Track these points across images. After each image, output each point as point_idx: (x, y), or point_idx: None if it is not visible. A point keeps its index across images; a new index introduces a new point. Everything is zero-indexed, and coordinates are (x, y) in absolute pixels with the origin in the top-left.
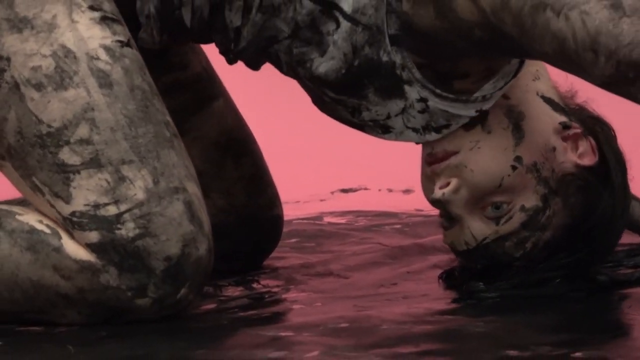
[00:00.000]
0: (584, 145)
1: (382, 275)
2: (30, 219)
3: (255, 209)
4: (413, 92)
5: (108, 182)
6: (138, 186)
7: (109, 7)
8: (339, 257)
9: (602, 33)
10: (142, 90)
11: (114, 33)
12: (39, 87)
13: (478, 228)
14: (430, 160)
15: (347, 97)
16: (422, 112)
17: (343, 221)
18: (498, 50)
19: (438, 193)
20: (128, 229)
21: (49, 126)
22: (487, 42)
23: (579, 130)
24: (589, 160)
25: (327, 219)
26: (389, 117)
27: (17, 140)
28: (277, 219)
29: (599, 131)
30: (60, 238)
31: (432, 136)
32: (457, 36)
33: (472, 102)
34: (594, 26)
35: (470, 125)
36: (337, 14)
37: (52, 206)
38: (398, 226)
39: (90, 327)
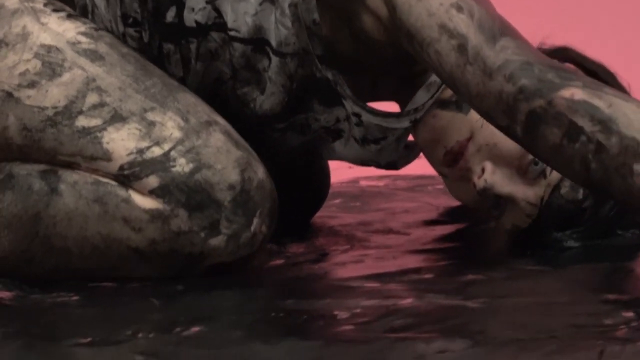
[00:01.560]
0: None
1: (443, 231)
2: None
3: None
4: (348, 106)
5: (139, 130)
6: (171, 126)
7: (69, 9)
8: (392, 215)
9: (456, 79)
10: (132, 56)
11: (84, 23)
12: (32, 84)
13: (532, 194)
14: (450, 159)
15: (295, 116)
16: (358, 125)
17: (381, 184)
18: (413, 65)
19: (480, 183)
20: (182, 165)
21: (54, 107)
22: (401, 58)
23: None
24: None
25: (364, 182)
26: (337, 120)
27: (24, 136)
28: (324, 171)
29: (569, 55)
30: (127, 189)
31: (372, 148)
32: (375, 55)
33: (405, 115)
34: (448, 70)
35: (465, 106)
36: (268, 49)
37: (96, 170)
38: (440, 187)
39: (164, 281)
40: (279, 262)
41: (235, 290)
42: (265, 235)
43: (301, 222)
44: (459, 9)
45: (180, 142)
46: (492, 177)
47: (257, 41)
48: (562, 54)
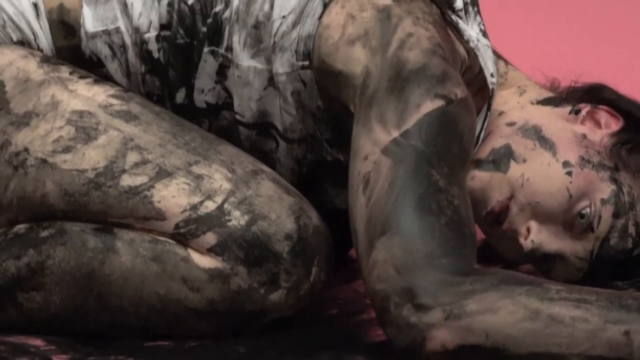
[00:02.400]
0: (602, 116)
1: None
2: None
3: None
4: None
5: (188, 184)
6: (219, 178)
7: (94, 75)
8: None
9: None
10: (166, 113)
11: (112, 86)
12: (67, 149)
13: (580, 248)
14: (492, 219)
15: (307, 197)
16: None
17: None
18: None
19: (528, 244)
20: (237, 218)
21: (95, 169)
22: None
23: (588, 107)
24: (615, 124)
25: None
26: None
27: (67, 202)
28: None
29: (601, 95)
30: (186, 247)
31: None
32: None
33: None
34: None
35: (503, 165)
36: (274, 132)
37: (150, 231)
38: None
39: (224, 339)
40: (333, 311)
41: (297, 345)
42: (324, 283)
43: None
44: (365, 184)
45: (231, 193)
46: (538, 236)
47: (263, 125)
48: (596, 93)
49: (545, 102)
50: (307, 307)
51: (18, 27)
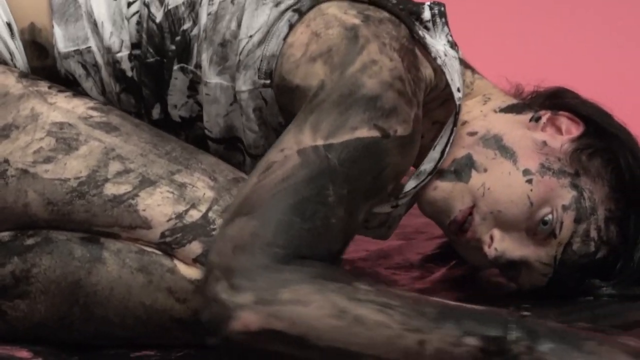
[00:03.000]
0: (562, 122)
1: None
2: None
3: None
4: None
5: (172, 192)
6: (201, 186)
7: (72, 89)
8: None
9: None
10: (145, 125)
11: (91, 100)
12: (48, 160)
13: (544, 254)
14: (455, 228)
15: None
16: None
17: None
18: None
19: (492, 252)
20: None
21: (77, 178)
22: None
23: (548, 114)
24: (576, 129)
25: None
26: None
27: (51, 211)
28: None
29: (563, 100)
30: (172, 258)
31: None
32: None
33: (387, 201)
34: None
35: (464, 175)
36: (241, 146)
37: (136, 240)
38: None
39: (210, 350)
40: None
41: None
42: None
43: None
44: (265, 169)
45: (214, 201)
46: (501, 244)
47: (230, 140)
48: (558, 98)
49: (507, 109)
50: None
51: None
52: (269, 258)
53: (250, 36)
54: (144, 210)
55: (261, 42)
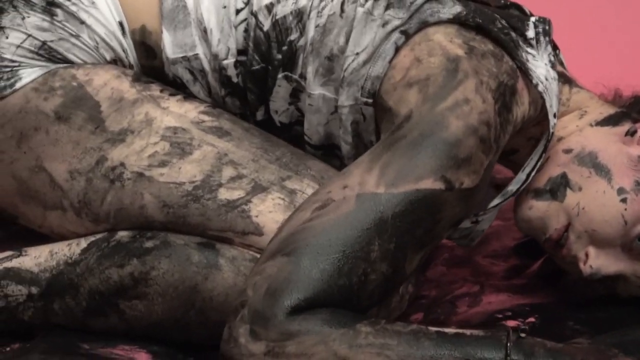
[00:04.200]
0: None
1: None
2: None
3: None
4: None
5: (283, 199)
6: (311, 193)
7: (182, 92)
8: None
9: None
10: (255, 129)
11: (202, 102)
12: (163, 164)
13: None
14: (551, 246)
15: None
16: None
17: None
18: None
19: (587, 270)
20: None
21: (192, 182)
22: None
23: None
24: None
25: None
26: None
27: (167, 214)
28: None
29: None
30: None
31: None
32: None
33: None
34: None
35: (560, 194)
36: (338, 152)
37: (249, 246)
38: None
39: None
40: (419, 315)
41: None
42: (411, 294)
43: None
44: (321, 206)
45: None
46: (596, 261)
47: (328, 147)
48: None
49: (604, 122)
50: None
51: (110, 47)
52: (291, 309)
53: (357, 53)
54: (256, 216)
55: (367, 62)
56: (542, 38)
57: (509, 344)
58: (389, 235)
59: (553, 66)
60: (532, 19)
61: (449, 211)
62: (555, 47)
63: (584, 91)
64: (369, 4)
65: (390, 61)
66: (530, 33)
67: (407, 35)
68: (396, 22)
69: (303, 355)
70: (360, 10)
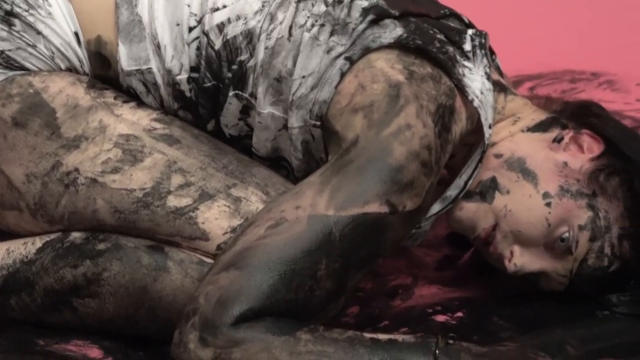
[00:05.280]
0: (584, 140)
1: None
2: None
3: None
4: None
5: (228, 206)
6: (255, 200)
7: (135, 99)
8: None
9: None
10: (203, 136)
11: (154, 110)
12: (116, 170)
13: (561, 267)
14: (480, 243)
15: None
16: None
17: None
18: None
19: (511, 267)
20: None
21: (142, 189)
22: None
23: (571, 133)
24: (597, 148)
25: None
26: None
27: (117, 218)
28: None
29: (588, 116)
30: None
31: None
32: None
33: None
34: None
35: (489, 196)
36: (286, 164)
37: (195, 249)
38: None
39: None
40: (355, 309)
41: None
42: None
43: None
44: (275, 225)
45: None
46: (520, 259)
47: (276, 159)
48: (583, 115)
49: (535, 128)
50: None
51: (66, 57)
52: (238, 319)
53: (304, 76)
54: (203, 223)
55: (314, 87)
56: (478, 51)
57: (437, 351)
58: (336, 255)
59: (488, 77)
60: (469, 32)
61: (393, 233)
62: (492, 53)
63: (519, 98)
64: (314, 30)
65: (337, 86)
66: (467, 46)
67: (352, 62)
68: (340, 49)
69: None
70: (306, 35)
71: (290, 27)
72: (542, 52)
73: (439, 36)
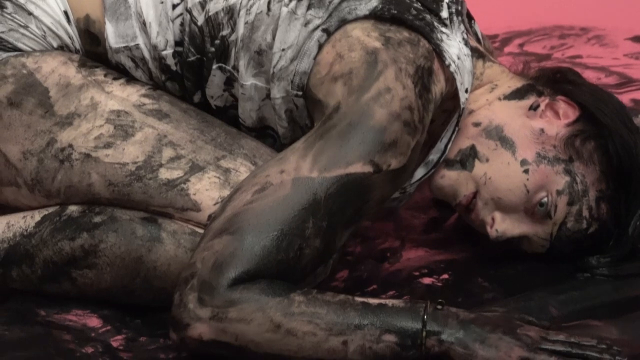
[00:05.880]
0: (560, 107)
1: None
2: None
3: None
4: None
5: (218, 177)
6: (243, 171)
7: (125, 75)
8: None
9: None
10: (192, 109)
11: (142, 85)
12: (108, 145)
13: (541, 231)
14: (461, 210)
15: None
16: None
17: None
18: None
19: (493, 233)
20: None
21: (135, 162)
22: None
23: (547, 100)
24: (572, 113)
25: None
26: None
27: (112, 191)
28: None
29: (564, 82)
30: None
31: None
32: None
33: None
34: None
35: (468, 165)
36: (272, 132)
37: (187, 220)
38: None
39: None
40: (344, 273)
41: None
42: (335, 260)
43: None
44: (260, 189)
45: None
46: (501, 225)
47: (262, 128)
48: (558, 81)
49: (511, 95)
50: None
51: (57, 35)
52: (234, 281)
53: (283, 50)
54: (194, 194)
55: (294, 59)
56: (455, 18)
57: (425, 316)
58: (322, 214)
59: (466, 43)
60: (446, 0)
61: (378, 191)
62: (470, 19)
63: (497, 65)
64: (292, 4)
65: (315, 57)
66: (444, 13)
67: (329, 33)
68: (317, 22)
69: (243, 320)
70: (284, 9)
71: (269, 2)
72: (532, 8)
73: (415, 5)
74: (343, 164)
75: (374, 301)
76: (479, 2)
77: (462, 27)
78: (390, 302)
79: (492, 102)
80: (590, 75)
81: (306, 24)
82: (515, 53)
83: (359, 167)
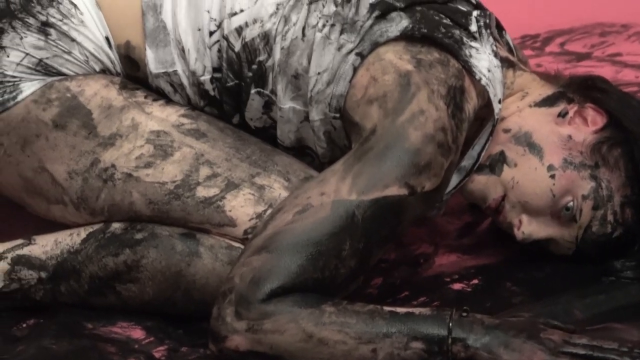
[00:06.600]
0: (588, 114)
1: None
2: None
3: None
4: None
5: (253, 194)
6: (277, 187)
7: (164, 97)
8: None
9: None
10: (228, 128)
11: (182, 106)
12: (149, 165)
13: (567, 234)
14: (490, 212)
15: None
16: None
17: None
18: None
19: (519, 235)
20: None
21: (173, 182)
22: None
23: (576, 107)
24: (600, 120)
25: None
26: None
27: (152, 209)
28: None
29: (593, 89)
30: None
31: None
32: None
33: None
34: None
35: (497, 169)
36: (310, 152)
37: (224, 235)
38: None
39: None
40: (378, 280)
41: None
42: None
43: None
44: (301, 210)
45: None
46: (528, 228)
47: (300, 148)
48: (588, 89)
49: (541, 103)
50: None
51: (99, 60)
52: (269, 295)
53: (319, 73)
54: (230, 211)
55: (330, 82)
56: (484, 31)
57: (450, 323)
58: (359, 236)
59: (496, 55)
60: (475, 13)
61: (412, 212)
62: (501, 29)
63: (527, 73)
64: (326, 30)
65: (350, 80)
66: (473, 27)
67: (362, 57)
68: (350, 46)
69: (277, 331)
70: (318, 35)
71: (304, 28)
72: (574, 6)
73: (444, 21)
74: (380, 187)
75: (401, 310)
76: (521, 2)
77: (490, 39)
78: (417, 310)
79: (522, 109)
80: (628, 74)
81: (340, 48)
82: (556, 53)
83: (395, 190)
